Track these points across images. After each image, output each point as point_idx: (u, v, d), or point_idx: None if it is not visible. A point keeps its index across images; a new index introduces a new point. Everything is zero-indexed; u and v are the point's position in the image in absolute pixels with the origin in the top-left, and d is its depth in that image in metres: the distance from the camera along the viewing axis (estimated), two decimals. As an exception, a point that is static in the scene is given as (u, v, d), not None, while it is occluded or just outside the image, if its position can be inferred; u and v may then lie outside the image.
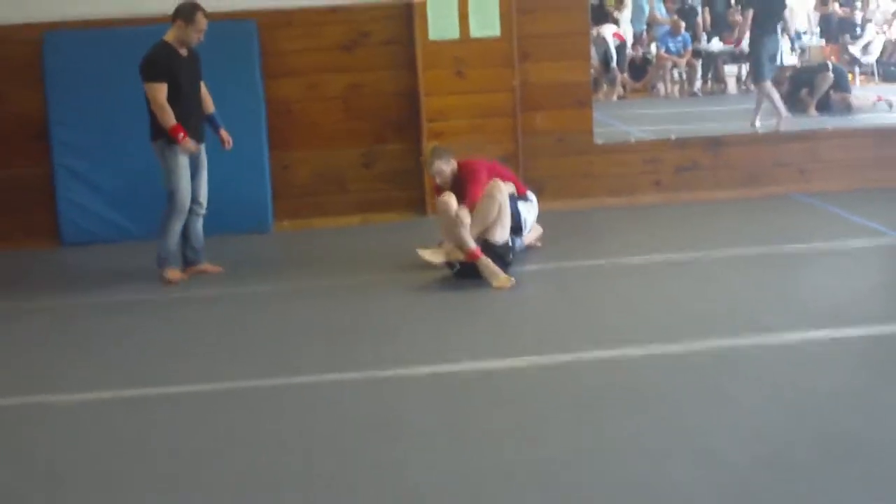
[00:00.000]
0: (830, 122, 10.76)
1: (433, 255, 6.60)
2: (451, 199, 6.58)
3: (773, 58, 11.33)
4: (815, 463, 3.63)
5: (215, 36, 8.11)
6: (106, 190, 8.25)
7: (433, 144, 7.34)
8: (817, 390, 4.35)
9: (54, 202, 8.31)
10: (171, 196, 6.72)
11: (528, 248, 7.22)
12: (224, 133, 7.02)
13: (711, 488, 3.47)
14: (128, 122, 7.71)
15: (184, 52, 6.72)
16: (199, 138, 6.79)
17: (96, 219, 8.28)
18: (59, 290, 6.96)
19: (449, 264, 6.54)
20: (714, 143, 9.13)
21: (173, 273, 6.82)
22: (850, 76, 13.89)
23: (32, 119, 8.30)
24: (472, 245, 6.40)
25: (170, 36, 6.71)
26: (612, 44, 15.66)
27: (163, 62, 6.61)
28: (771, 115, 10.74)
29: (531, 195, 7.28)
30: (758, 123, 10.86)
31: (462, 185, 6.74)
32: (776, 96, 11.07)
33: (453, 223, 6.44)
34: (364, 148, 8.69)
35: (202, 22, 6.70)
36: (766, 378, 4.53)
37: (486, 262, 6.37)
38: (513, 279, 6.33)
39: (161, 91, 6.56)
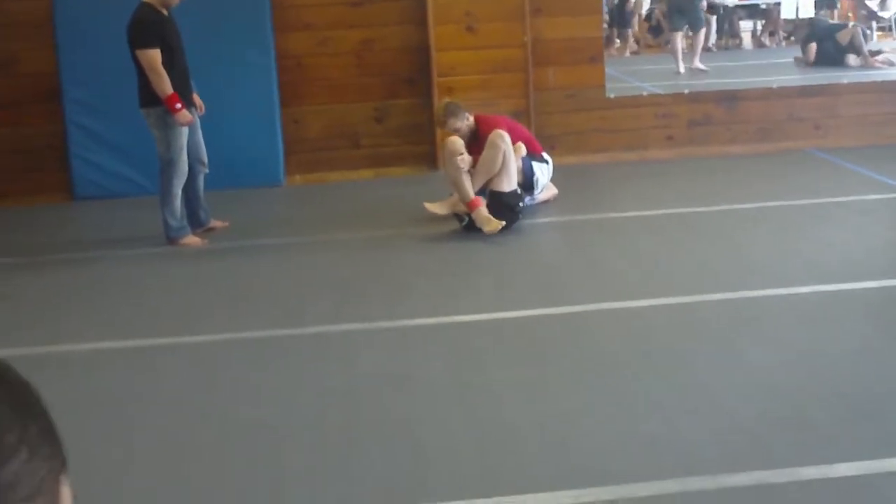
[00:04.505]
0: (847, 77, 10.65)
1: (439, 208, 6.69)
2: (458, 140, 6.58)
3: (680, 12, 12.49)
4: (827, 418, 3.61)
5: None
6: (118, 145, 8.23)
7: (444, 101, 7.23)
8: (830, 345, 4.33)
9: (67, 159, 8.31)
10: (170, 163, 6.42)
11: (541, 203, 7.21)
12: (197, 97, 6.72)
13: (720, 443, 3.46)
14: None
15: (165, 13, 6.42)
16: (190, 101, 6.57)
17: (108, 174, 8.27)
18: (72, 243, 6.97)
19: (458, 217, 6.56)
20: (728, 98, 9.06)
21: (192, 240, 6.60)
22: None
23: (45, 77, 8.27)
24: (471, 194, 6.41)
25: None
26: None
27: (154, 26, 6.31)
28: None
29: (547, 156, 7.24)
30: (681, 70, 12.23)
31: (482, 139, 6.71)
32: (676, 48, 12.42)
33: (453, 165, 6.44)
34: (376, 103, 8.65)
35: None
36: (778, 332, 4.51)
37: (480, 212, 6.38)
38: (503, 222, 6.34)
39: (157, 57, 6.25)
